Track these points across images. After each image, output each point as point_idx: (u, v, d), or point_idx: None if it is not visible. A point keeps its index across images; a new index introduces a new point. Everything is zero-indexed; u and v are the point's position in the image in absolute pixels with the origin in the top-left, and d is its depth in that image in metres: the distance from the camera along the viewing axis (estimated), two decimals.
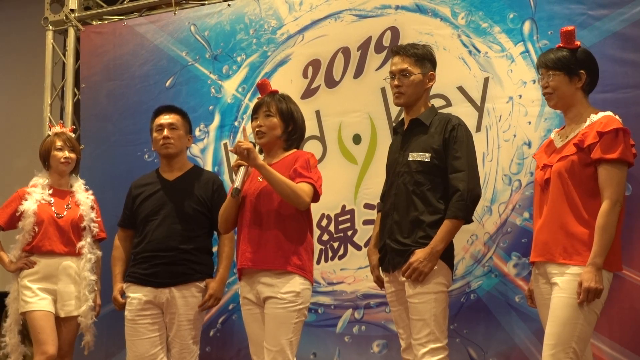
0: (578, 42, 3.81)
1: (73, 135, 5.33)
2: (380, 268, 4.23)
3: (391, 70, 4.19)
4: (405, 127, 4.21)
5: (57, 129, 5.27)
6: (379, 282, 4.28)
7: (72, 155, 5.18)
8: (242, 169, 4.06)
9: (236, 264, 4.23)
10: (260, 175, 4.12)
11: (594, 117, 3.68)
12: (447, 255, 3.99)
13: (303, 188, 4.06)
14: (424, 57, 4.17)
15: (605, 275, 3.55)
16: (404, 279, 3.97)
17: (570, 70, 3.75)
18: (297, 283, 4.03)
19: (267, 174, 4.00)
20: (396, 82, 4.15)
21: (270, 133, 4.18)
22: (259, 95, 4.36)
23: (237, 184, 4.03)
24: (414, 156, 4.07)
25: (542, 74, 3.83)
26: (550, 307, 3.60)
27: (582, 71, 3.76)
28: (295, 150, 4.26)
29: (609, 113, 3.70)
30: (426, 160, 4.03)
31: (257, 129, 4.20)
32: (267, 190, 4.08)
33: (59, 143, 5.14)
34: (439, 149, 4.04)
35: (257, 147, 4.24)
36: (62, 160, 5.13)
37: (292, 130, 4.24)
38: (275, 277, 4.03)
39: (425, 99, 4.21)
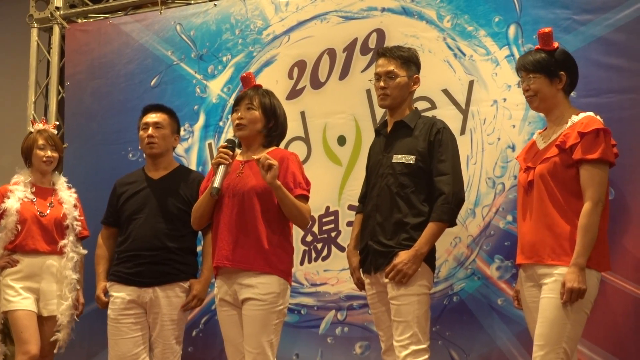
0: (556, 44, 3.82)
1: (56, 132, 5.31)
2: (361, 270, 4.23)
3: (377, 72, 4.20)
4: (389, 129, 4.22)
5: (39, 125, 5.24)
6: (360, 284, 4.28)
7: (55, 154, 5.15)
8: (221, 168, 4.00)
9: (212, 260, 4.20)
10: (240, 171, 4.11)
11: (575, 118, 3.70)
12: (429, 257, 4.00)
13: (307, 209, 4.10)
14: (410, 60, 4.18)
15: (594, 275, 3.58)
16: (386, 280, 3.97)
17: (551, 72, 3.76)
18: (277, 284, 4.02)
19: (282, 195, 3.96)
20: (382, 84, 4.15)
21: (250, 126, 4.14)
22: (242, 89, 4.33)
23: (217, 183, 3.97)
24: (398, 158, 4.08)
25: (523, 77, 3.84)
26: (539, 308, 3.61)
27: (562, 72, 3.77)
28: (275, 147, 4.22)
29: (590, 113, 3.72)
30: (411, 162, 4.04)
31: (237, 121, 4.15)
32: (247, 188, 4.05)
33: (41, 141, 5.11)
34: (423, 151, 4.05)
35: (237, 141, 4.19)
36: (44, 159, 5.11)
37: (274, 127, 4.20)
38: (254, 277, 4.00)
39: (409, 102, 4.22)
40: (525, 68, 3.81)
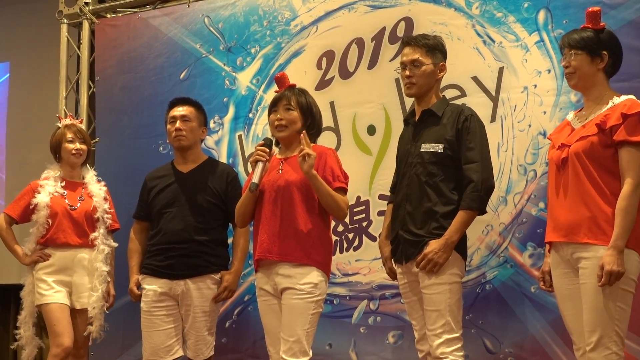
0: (603, 24, 3.77)
1: (83, 127, 5.34)
2: (392, 259, 4.23)
3: (402, 61, 4.18)
4: (417, 118, 4.20)
5: (67, 121, 5.28)
6: (392, 274, 4.27)
7: (83, 147, 5.18)
8: (259, 164, 4.07)
9: (253, 254, 4.23)
10: (280, 168, 4.14)
11: (616, 100, 3.65)
12: (460, 245, 3.98)
13: (345, 200, 4.12)
14: (435, 48, 4.15)
15: (634, 254, 3.52)
16: (417, 269, 3.97)
17: (593, 50, 3.70)
18: (315, 275, 4.03)
19: (318, 185, 4.01)
20: (407, 73, 4.13)
21: (291, 127, 4.17)
22: (275, 88, 4.35)
23: (256, 179, 4.05)
24: (426, 147, 4.05)
25: (565, 54, 3.78)
26: (582, 294, 3.56)
27: (604, 52, 3.71)
28: (313, 144, 4.23)
29: (632, 97, 3.67)
30: (439, 151, 4.01)
31: (277, 122, 4.19)
32: (287, 183, 4.09)
33: (69, 135, 5.14)
34: (451, 139, 4.02)
35: (274, 140, 4.26)
36: (74, 152, 5.13)
37: (311, 125, 4.24)
38: (293, 268, 4.03)
39: (436, 90, 4.19)
40: (568, 44, 3.75)
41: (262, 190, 4.15)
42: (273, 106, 4.24)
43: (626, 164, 3.54)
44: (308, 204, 4.08)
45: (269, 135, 4.30)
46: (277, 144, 4.31)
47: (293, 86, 4.30)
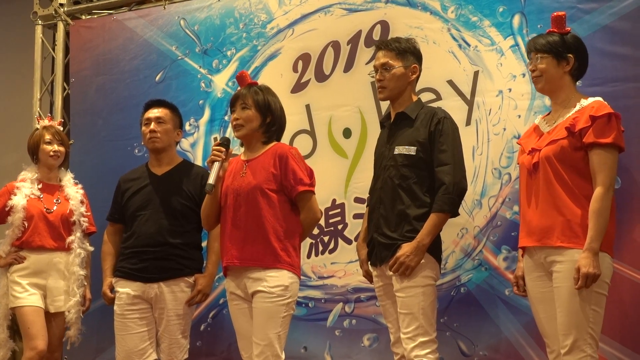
0: (569, 28, 3.82)
1: (61, 129, 5.31)
2: (369, 262, 4.23)
3: (374, 65, 4.20)
4: (392, 120, 4.20)
5: (45, 122, 5.25)
6: (368, 277, 4.28)
7: (61, 149, 5.15)
8: (216, 164, 4.05)
9: (221, 260, 4.21)
10: (244, 171, 4.12)
11: (584, 102, 3.69)
12: (434, 248, 3.99)
13: (314, 216, 4.17)
14: (406, 51, 4.16)
15: (607, 257, 3.57)
16: (391, 273, 3.97)
17: (558, 54, 3.75)
18: (285, 277, 4.02)
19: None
20: (378, 77, 4.16)
21: (247, 125, 4.14)
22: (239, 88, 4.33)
23: (211, 179, 4.02)
24: (399, 150, 4.06)
25: (531, 58, 3.83)
26: (557, 297, 3.59)
27: (570, 55, 3.75)
28: (275, 143, 4.22)
29: (599, 98, 3.71)
30: (412, 153, 4.02)
31: (234, 122, 4.17)
32: (251, 187, 4.06)
33: (47, 136, 5.12)
34: (424, 142, 4.03)
35: (239, 142, 4.24)
36: (51, 153, 5.11)
37: (271, 122, 4.19)
38: (263, 271, 4.01)
39: (410, 92, 4.19)
40: (534, 48, 3.81)
41: (226, 195, 4.12)
42: (231, 106, 4.23)
43: (597, 166, 3.57)
44: (274, 206, 4.05)
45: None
46: (241, 145, 4.28)
47: (252, 84, 4.25)
